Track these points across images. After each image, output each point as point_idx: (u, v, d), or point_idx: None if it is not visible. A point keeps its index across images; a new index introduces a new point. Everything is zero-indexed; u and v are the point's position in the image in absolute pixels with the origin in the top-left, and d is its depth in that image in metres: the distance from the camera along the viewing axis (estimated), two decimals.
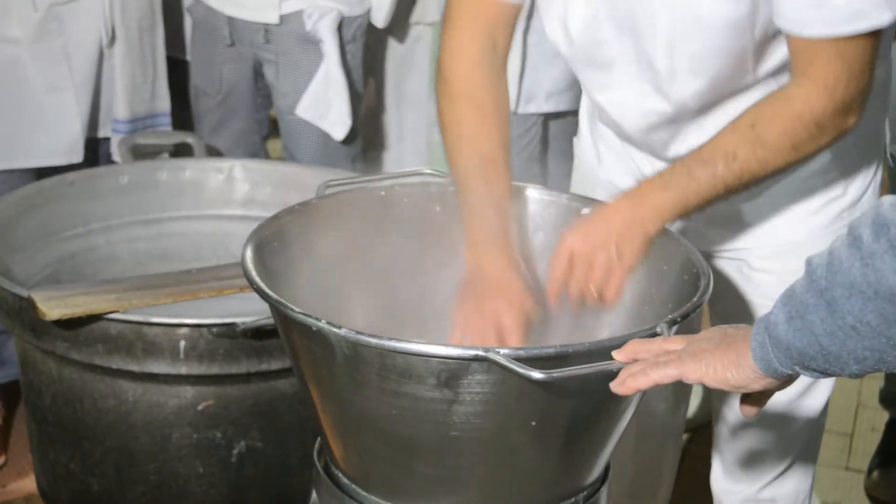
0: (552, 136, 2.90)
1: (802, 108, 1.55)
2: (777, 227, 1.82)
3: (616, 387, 1.33)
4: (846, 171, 1.80)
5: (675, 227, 1.70)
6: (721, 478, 2.02)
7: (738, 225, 1.84)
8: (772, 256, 1.84)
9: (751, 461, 1.97)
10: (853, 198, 1.82)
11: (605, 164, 1.94)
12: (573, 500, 1.56)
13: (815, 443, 2.00)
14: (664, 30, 1.62)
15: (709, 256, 1.87)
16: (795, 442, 1.95)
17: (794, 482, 1.99)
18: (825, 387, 1.91)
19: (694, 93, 1.67)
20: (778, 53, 1.63)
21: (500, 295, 1.61)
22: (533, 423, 1.42)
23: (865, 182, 1.83)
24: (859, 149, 1.80)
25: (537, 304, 1.64)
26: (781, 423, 1.92)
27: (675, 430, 2.20)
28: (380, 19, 2.86)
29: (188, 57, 2.99)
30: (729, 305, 1.91)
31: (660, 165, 1.78)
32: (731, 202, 1.69)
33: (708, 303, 1.92)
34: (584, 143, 2.00)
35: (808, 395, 1.90)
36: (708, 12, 1.57)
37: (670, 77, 1.66)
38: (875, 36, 1.51)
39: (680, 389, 2.08)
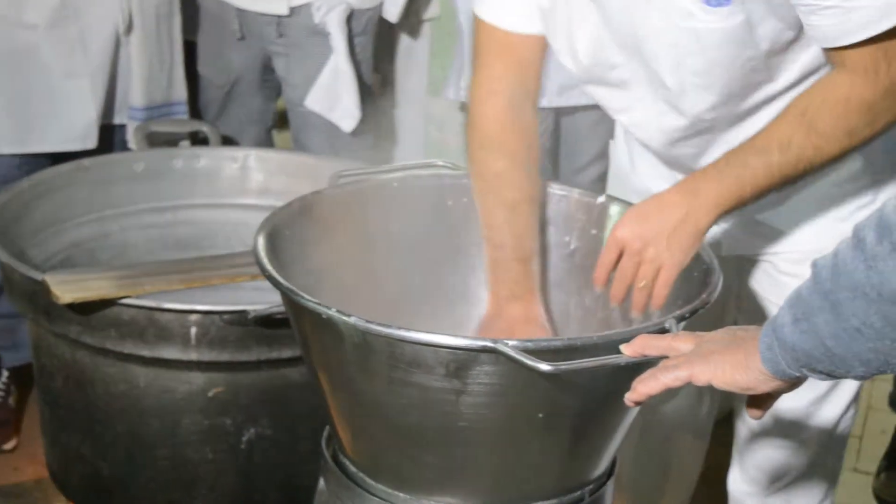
0: (563, 131, 2.89)
1: (849, 92, 1.52)
2: (806, 233, 1.80)
3: (629, 396, 1.32)
4: (877, 177, 1.78)
5: (710, 233, 1.66)
6: (738, 479, 1.99)
7: (768, 231, 1.82)
8: (800, 262, 1.81)
9: (768, 463, 1.94)
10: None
11: (639, 170, 1.91)
12: (579, 493, 1.56)
13: (836, 451, 1.95)
14: (666, 48, 1.60)
15: (739, 260, 1.87)
16: (812, 447, 1.92)
17: (812, 489, 1.95)
18: (844, 395, 1.87)
19: (707, 107, 1.66)
20: (801, 60, 1.62)
21: (516, 333, 1.64)
22: (540, 416, 1.43)
23: None
24: (891, 154, 1.77)
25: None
26: (800, 427, 1.89)
27: (690, 429, 2.16)
28: (393, 14, 2.85)
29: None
30: (757, 307, 1.89)
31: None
32: (761, 205, 1.66)
33: (736, 304, 1.93)
34: (618, 149, 1.99)
35: (824, 403, 1.87)
36: (703, 27, 1.55)
37: (680, 93, 1.65)
38: None
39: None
